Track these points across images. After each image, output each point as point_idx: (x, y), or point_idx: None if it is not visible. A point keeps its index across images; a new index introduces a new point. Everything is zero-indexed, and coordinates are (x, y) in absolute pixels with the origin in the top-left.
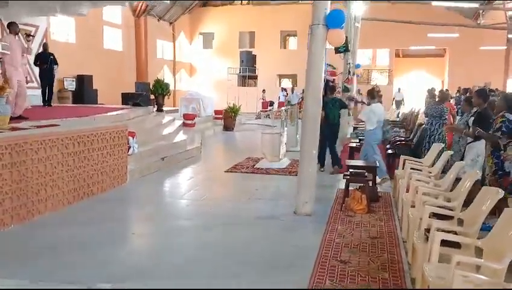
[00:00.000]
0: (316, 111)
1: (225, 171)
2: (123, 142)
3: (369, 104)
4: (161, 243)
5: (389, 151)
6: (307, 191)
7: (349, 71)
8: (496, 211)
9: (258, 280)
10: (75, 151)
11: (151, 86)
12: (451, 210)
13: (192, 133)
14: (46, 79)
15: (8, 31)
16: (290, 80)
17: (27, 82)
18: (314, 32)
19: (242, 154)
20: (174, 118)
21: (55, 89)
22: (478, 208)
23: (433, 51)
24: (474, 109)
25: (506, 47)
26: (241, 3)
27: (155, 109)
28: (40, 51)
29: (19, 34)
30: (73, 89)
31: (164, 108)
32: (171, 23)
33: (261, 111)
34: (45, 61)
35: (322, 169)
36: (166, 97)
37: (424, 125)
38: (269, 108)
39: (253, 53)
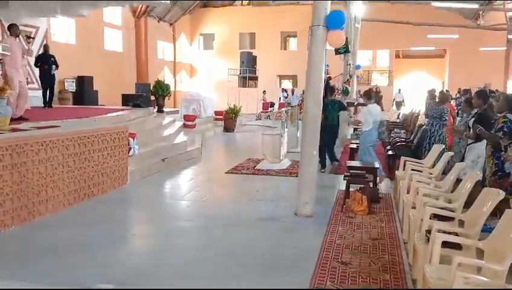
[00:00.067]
0: (316, 112)
1: (226, 173)
2: (123, 143)
3: (364, 105)
4: (161, 244)
5: (390, 152)
6: (307, 192)
7: (349, 75)
8: (497, 212)
9: (258, 281)
10: (76, 153)
11: (151, 87)
12: (452, 211)
13: (193, 134)
14: (47, 81)
15: (8, 33)
16: (291, 80)
17: (27, 83)
18: (315, 33)
19: (242, 156)
20: (175, 119)
21: (55, 90)
22: (479, 210)
23: (433, 51)
24: (475, 110)
25: (506, 48)
26: (241, 4)
27: (155, 110)
28: (40, 53)
29: (20, 36)
30: (74, 90)
31: (164, 109)
32: (171, 24)
33: (261, 112)
34: (46, 62)
35: (323, 170)
36: (166, 98)
37: (424, 126)
38: (270, 109)
39: (253, 54)
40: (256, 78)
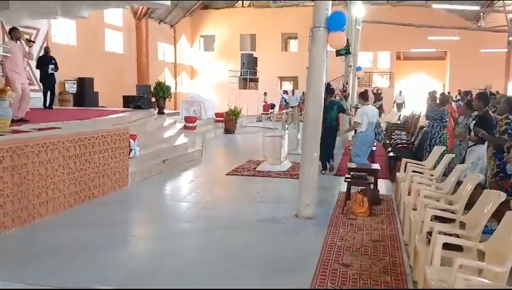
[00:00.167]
0: (317, 114)
1: (226, 174)
2: (124, 145)
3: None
4: (162, 245)
5: (391, 154)
6: (308, 194)
7: (344, 85)
8: (498, 214)
9: (259, 283)
10: (76, 154)
11: (152, 89)
12: (453, 213)
13: (193, 135)
14: (48, 82)
15: (9, 36)
16: (291, 82)
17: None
18: (315, 35)
19: (243, 157)
20: (175, 120)
21: (56, 91)
22: (480, 211)
23: (434, 53)
24: (475, 113)
25: (507, 50)
26: (242, 6)
27: (156, 111)
28: (41, 54)
29: (20, 40)
30: (74, 92)
31: (165, 111)
32: (172, 25)
33: (262, 114)
34: (46, 64)
35: (324, 172)
36: (167, 100)
37: (425, 128)
38: (270, 111)
39: (254, 55)
40: (256, 80)
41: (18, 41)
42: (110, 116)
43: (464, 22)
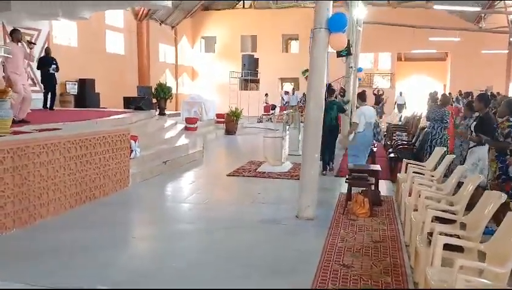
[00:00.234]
0: (318, 115)
1: (227, 175)
2: (125, 146)
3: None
4: (163, 246)
5: (392, 155)
6: (309, 195)
7: (342, 88)
8: (498, 215)
9: (260, 283)
10: (77, 155)
11: (153, 90)
12: (454, 214)
13: (194, 136)
14: (49, 83)
15: (11, 38)
16: (292, 83)
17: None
18: (316, 36)
19: (244, 158)
20: (176, 121)
21: (57, 92)
22: (481, 212)
23: (435, 54)
24: (476, 114)
25: (508, 51)
26: (243, 7)
27: (157, 112)
28: (42, 55)
29: (22, 42)
30: (76, 93)
31: (166, 112)
32: (173, 27)
33: (263, 115)
34: (47, 65)
35: (324, 172)
36: (168, 101)
37: (426, 129)
38: (271, 112)
39: (255, 57)
40: (257, 81)
41: (19, 43)
42: (111, 117)
43: (464, 23)
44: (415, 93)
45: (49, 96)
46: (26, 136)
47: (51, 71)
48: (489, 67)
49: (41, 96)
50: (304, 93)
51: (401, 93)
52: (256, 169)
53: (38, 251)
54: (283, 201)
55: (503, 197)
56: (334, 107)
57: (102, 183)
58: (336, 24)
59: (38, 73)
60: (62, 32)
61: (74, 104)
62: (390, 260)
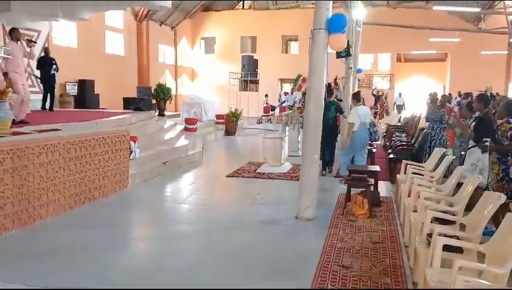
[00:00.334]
0: (317, 116)
1: (227, 176)
2: (125, 146)
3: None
4: (163, 247)
5: (391, 155)
6: (308, 195)
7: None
8: (497, 216)
9: (259, 284)
10: (77, 156)
11: (152, 91)
12: (453, 215)
13: (194, 137)
14: (48, 84)
15: (10, 37)
16: (291, 84)
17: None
18: (316, 37)
19: (243, 159)
20: (176, 122)
21: (56, 93)
22: (480, 213)
23: (434, 55)
24: (476, 114)
25: (507, 51)
26: (242, 8)
27: (157, 113)
28: (41, 55)
29: (21, 40)
30: (75, 94)
31: (166, 113)
32: (172, 27)
33: (262, 116)
34: (46, 65)
35: (324, 173)
36: (168, 102)
37: (425, 130)
38: (271, 113)
39: (254, 57)
40: (257, 82)
41: (18, 42)
42: (110, 118)
43: (464, 23)
44: (415, 94)
45: (48, 97)
46: (26, 137)
47: (52, 72)
48: (489, 68)
49: (40, 97)
50: (303, 92)
51: (400, 94)
52: (256, 170)
53: (38, 251)
54: (282, 202)
55: (503, 198)
56: (332, 108)
57: (101, 184)
58: (336, 25)
59: (38, 73)
60: (62, 33)
61: (74, 105)
62: (390, 261)
